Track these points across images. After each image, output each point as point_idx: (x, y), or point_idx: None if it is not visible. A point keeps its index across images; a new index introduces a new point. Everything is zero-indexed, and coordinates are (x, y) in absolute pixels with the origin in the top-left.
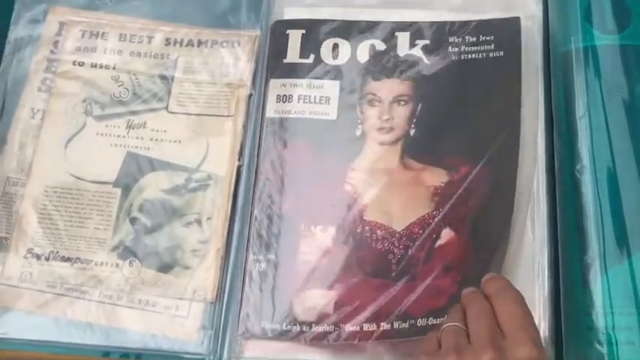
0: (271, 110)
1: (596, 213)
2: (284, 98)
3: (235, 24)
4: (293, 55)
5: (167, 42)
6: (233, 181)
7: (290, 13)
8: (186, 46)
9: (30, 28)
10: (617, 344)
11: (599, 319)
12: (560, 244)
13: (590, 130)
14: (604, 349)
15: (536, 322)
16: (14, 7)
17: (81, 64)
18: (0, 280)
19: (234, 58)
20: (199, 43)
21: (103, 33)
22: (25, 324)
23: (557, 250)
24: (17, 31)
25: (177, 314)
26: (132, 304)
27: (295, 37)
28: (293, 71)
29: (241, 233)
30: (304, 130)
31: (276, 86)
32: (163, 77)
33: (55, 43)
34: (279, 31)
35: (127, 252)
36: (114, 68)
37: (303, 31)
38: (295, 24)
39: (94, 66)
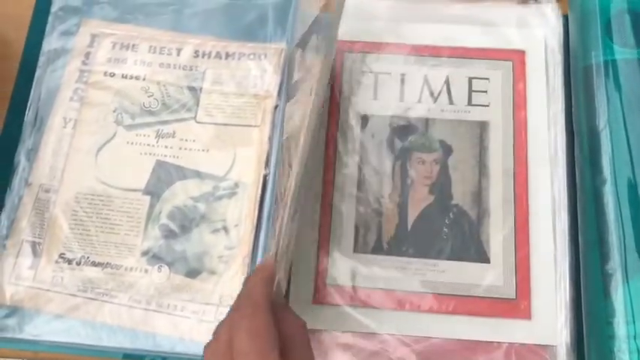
0: (285, 134)
1: (617, 224)
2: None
3: (262, 37)
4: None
5: (195, 54)
6: (259, 189)
7: None
8: (214, 58)
9: (63, 39)
10: (638, 352)
11: (621, 328)
12: (581, 254)
13: (610, 142)
14: (626, 358)
15: (558, 329)
16: (48, 19)
17: (112, 75)
18: (32, 284)
19: (261, 71)
20: (227, 55)
21: (134, 45)
22: (56, 327)
23: (579, 260)
24: (51, 42)
25: (205, 319)
26: (160, 309)
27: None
28: (295, 88)
29: (267, 240)
30: None
31: (287, 109)
32: (192, 88)
33: (87, 55)
34: (293, 57)
35: (155, 258)
36: (144, 79)
37: None
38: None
39: (124, 77)
